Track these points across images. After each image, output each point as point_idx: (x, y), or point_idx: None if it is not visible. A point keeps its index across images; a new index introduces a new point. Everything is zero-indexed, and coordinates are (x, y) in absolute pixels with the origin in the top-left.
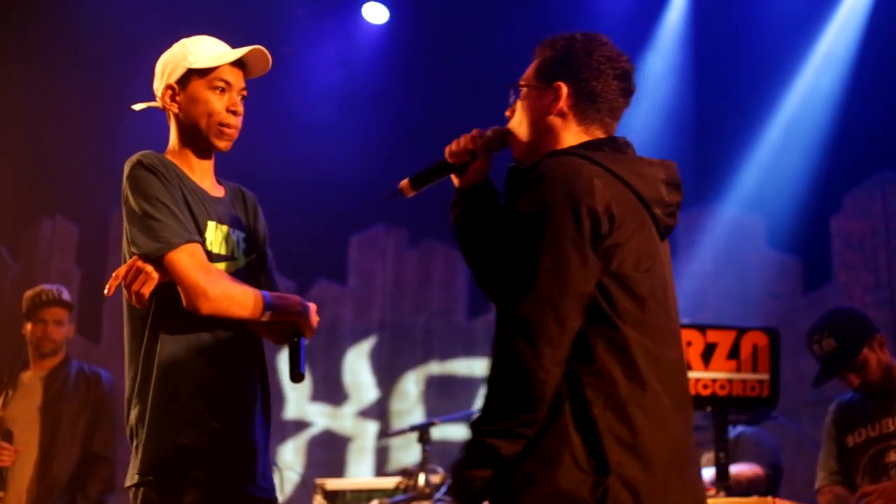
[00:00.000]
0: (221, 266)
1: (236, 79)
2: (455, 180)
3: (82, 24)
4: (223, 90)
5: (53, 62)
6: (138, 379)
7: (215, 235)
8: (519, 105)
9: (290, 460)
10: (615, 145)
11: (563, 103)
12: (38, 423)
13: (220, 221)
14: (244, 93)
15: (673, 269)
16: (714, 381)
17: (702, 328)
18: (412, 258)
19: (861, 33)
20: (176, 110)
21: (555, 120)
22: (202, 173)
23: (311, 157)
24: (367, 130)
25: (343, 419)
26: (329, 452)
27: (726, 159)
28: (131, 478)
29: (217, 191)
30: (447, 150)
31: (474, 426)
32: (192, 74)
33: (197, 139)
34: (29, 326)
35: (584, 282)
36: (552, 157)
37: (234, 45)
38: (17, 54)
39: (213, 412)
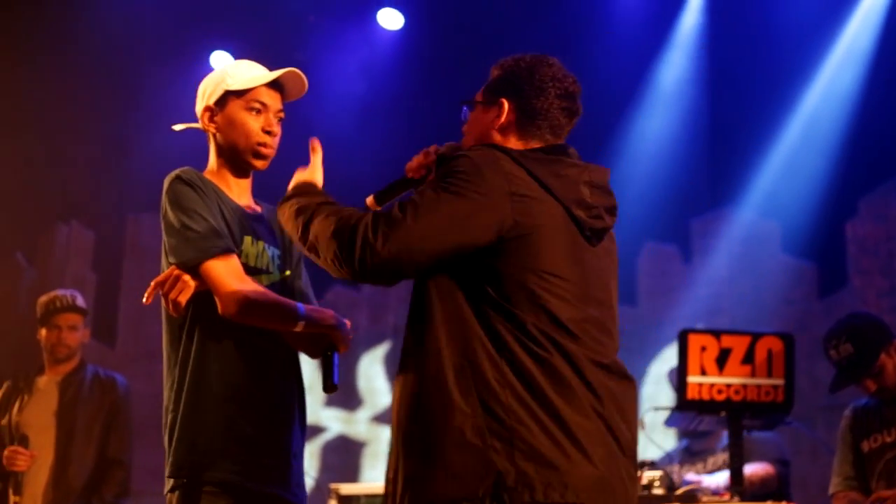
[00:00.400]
0: (256, 279)
1: (273, 100)
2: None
3: (99, 31)
4: (259, 111)
5: (70, 68)
6: (174, 386)
7: (251, 250)
8: (470, 120)
9: (304, 465)
10: (546, 151)
11: (504, 119)
12: (53, 427)
13: (257, 237)
14: (281, 114)
15: (688, 273)
16: (728, 386)
17: (717, 333)
18: None
19: (877, 38)
20: (214, 131)
21: (497, 135)
22: (240, 192)
23: (325, 162)
24: (383, 136)
25: (357, 424)
26: (343, 457)
27: (741, 164)
28: (166, 483)
29: (254, 209)
30: (406, 166)
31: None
32: (229, 96)
33: (234, 159)
34: (44, 332)
35: (466, 235)
36: (475, 146)
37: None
38: (33, 59)
39: (246, 417)
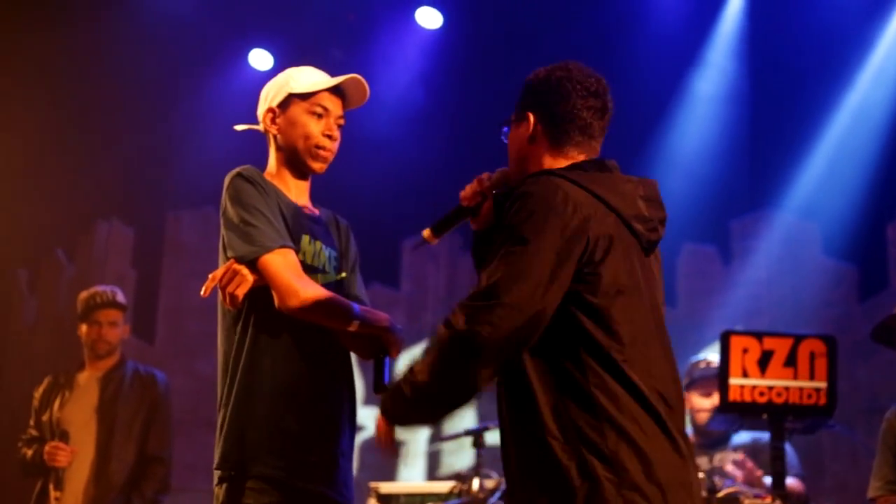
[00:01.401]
0: (313, 277)
1: (334, 106)
2: (472, 224)
3: (139, 31)
4: (321, 115)
5: (110, 67)
6: (227, 380)
7: (309, 248)
8: (509, 141)
9: None
10: (594, 166)
11: (532, 131)
12: (94, 423)
13: (314, 236)
14: (341, 121)
15: (727, 275)
16: (770, 388)
17: (759, 335)
18: (465, 263)
19: None
20: (275, 132)
21: (530, 148)
22: (298, 193)
23: (367, 162)
24: (421, 136)
25: None
26: (380, 456)
27: (782, 165)
28: (214, 475)
29: (312, 210)
30: (461, 194)
31: None
32: (292, 99)
33: (294, 160)
34: (84, 328)
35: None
36: (532, 177)
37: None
38: (75, 60)
39: (294, 413)
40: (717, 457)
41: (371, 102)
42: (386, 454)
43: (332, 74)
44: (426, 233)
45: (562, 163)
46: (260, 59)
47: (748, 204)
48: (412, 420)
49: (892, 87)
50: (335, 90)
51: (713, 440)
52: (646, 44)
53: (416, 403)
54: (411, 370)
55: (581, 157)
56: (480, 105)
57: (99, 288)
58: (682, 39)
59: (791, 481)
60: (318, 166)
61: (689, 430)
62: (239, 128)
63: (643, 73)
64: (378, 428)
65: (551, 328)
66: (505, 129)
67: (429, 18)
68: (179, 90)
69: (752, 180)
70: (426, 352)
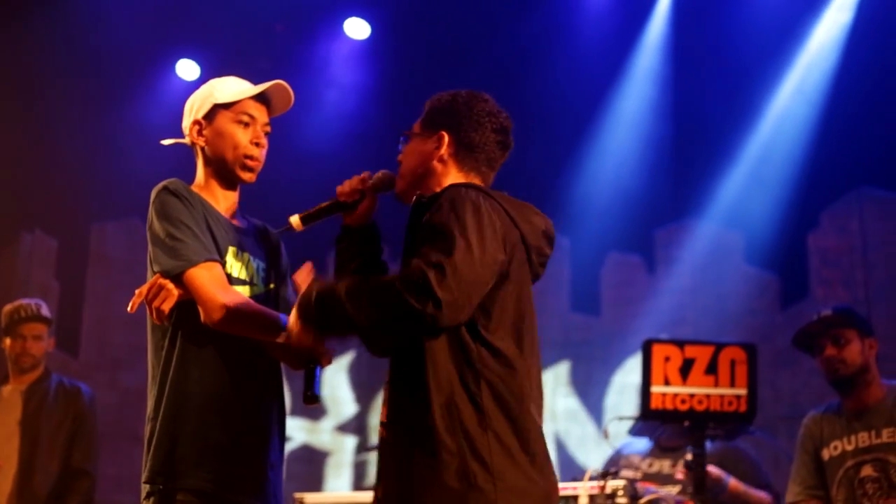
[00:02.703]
0: (241, 289)
1: (260, 113)
2: (345, 218)
3: (64, 40)
4: (247, 124)
5: (33, 76)
6: (156, 394)
7: (236, 261)
8: (405, 151)
9: None
10: (501, 194)
11: (444, 150)
12: (17, 436)
13: (241, 248)
14: (268, 128)
15: (651, 283)
16: (692, 395)
17: (680, 343)
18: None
19: (841, 51)
20: (203, 144)
21: (437, 165)
22: (227, 205)
23: (297, 173)
24: (349, 145)
25: (321, 434)
26: (307, 467)
27: (705, 175)
28: (142, 489)
29: (241, 222)
30: (338, 189)
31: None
32: (218, 109)
33: (223, 172)
34: (8, 341)
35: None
36: (457, 186)
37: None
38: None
39: (223, 426)
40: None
41: (300, 113)
42: (325, 363)
43: (259, 84)
44: (294, 220)
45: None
46: (187, 69)
47: (672, 213)
48: (333, 332)
49: (812, 97)
50: (260, 98)
51: (671, 445)
52: (570, 55)
53: (348, 321)
54: (358, 290)
55: (480, 185)
56: (408, 115)
57: (24, 301)
58: (607, 51)
59: (765, 496)
60: (247, 176)
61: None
62: (166, 142)
63: (567, 84)
64: (301, 338)
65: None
66: (403, 137)
67: (357, 29)
68: (105, 99)
69: (675, 190)
70: (379, 286)
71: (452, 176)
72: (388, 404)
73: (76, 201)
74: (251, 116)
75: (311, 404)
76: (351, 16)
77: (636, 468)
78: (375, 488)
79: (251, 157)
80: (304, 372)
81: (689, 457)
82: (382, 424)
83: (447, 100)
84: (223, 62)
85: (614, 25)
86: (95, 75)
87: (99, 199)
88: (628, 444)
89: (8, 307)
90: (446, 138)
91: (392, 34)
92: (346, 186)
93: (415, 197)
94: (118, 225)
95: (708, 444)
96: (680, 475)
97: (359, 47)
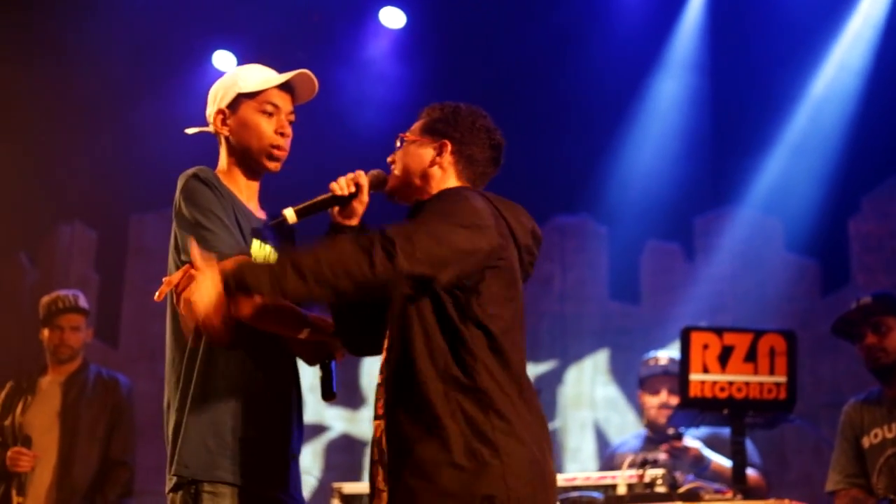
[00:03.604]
0: None
1: (284, 102)
2: (334, 214)
3: (102, 31)
4: (271, 113)
5: (72, 68)
6: (180, 384)
7: (259, 253)
8: (402, 153)
9: (307, 464)
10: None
11: (445, 158)
12: (56, 428)
13: (264, 240)
14: (292, 117)
15: (691, 271)
16: (731, 383)
17: (719, 331)
18: None
19: (881, 35)
20: (227, 133)
21: (436, 171)
22: (249, 195)
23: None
24: (383, 135)
25: (361, 423)
26: (347, 456)
27: (744, 161)
28: (168, 482)
29: (262, 213)
30: (331, 185)
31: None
32: (241, 99)
33: (247, 161)
34: (46, 333)
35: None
36: (454, 188)
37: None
38: (35, 60)
39: (250, 418)
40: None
41: (334, 103)
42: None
43: (283, 73)
44: (289, 212)
45: None
46: (224, 60)
47: (711, 200)
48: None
49: (852, 81)
50: (284, 86)
51: (665, 436)
52: (607, 42)
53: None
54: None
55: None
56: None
57: (61, 292)
58: (643, 38)
59: (750, 472)
60: (272, 165)
61: (643, 429)
62: (190, 131)
63: (604, 72)
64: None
65: (438, 321)
66: (402, 140)
67: (392, 18)
68: (143, 92)
69: (714, 177)
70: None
71: (450, 182)
72: (386, 396)
73: (115, 193)
74: (275, 106)
75: (330, 400)
76: (386, 5)
77: (632, 464)
78: (374, 480)
79: (277, 147)
80: (322, 368)
81: (670, 431)
82: (379, 417)
83: (450, 111)
84: (259, 53)
85: (651, 11)
86: (133, 67)
87: (137, 191)
88: (622, 444)
89: (46, 298)
90: (449, 147)
91: (427, 23)
92: (341, 183)
93: (413, 202)
94: (157, 216)
95: (702, 431)
96: (663, 455)
97: (394, 37)
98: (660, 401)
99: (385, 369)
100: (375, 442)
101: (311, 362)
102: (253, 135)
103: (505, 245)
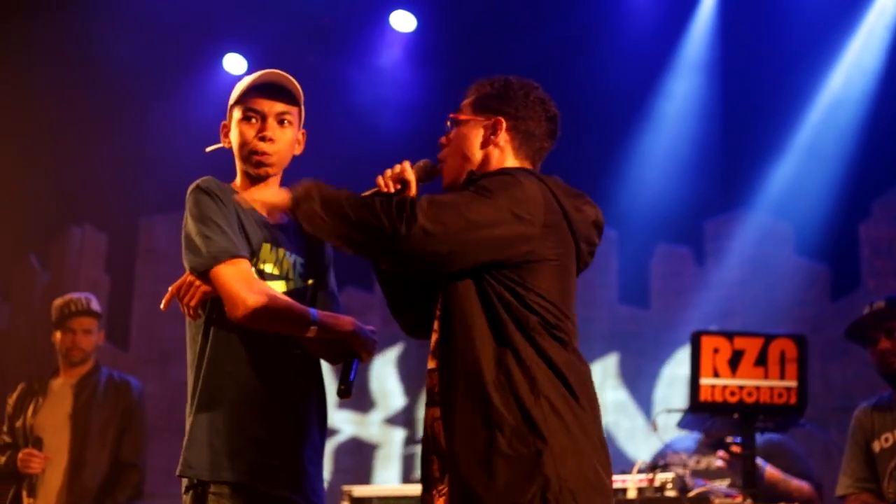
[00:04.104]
0: (275, 285)
1: (268, 106)
2: None
3: (113, 35)
4: (252, 118)
5: (83, 71)
6: (192, 387)
7: (270, 256)
8: (454, 135)
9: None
10: (558, 182)
11: (500, 136)
12: (67, 430)
13: (276, 244)
14: (286, 117)
15: (701, 275)
16: (741, 388)
17: (729, 335)
18: None
19: (891, 38)
20: (228, 145)
21: (492, 150)
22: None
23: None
24: (393, 138)
25: (370, 426)
26: (356, 459)
27: (755, 166)
28: (182, 482)
29: (277, 218)
30: (378, 179)
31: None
32: (232, 109)
33: (244, 168)
34: (58, 335)
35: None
36: (510, 168)
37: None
38: (47, 64)
39: (257, 419)
40: (694, 459)
41: (346, 106)
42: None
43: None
44: None
45: None
46: (234, 63)
47: (721, 204)
48: (314, 218)
49: (863, 85)
50: (267, 90)
51: (718, 441)
52: (617, 46)
53: (325, 211)
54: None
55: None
56: (454, 107)
57: (74, 295)
58: (654, 41)
59: (804, 485)
60: (260, 170)
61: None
62: (209, 149)
63: (616, 75)
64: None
65: (488, 311)
66: (452, 121)
67: (403, 22)
68: (153, 95)
69: (725, 181)
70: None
71: (509, 162)
72: (441, 383)
73: (125, 196)
74: (255, 111)
75: (344, 398)
76: (397, 8)
77: (684, 465)
78: (428, 469)
79: (256, 152)
80: (343, 366)
81: (728, 439)
82: (433, 404)
83: (500, 85)
84: (270, 56)
85: (662, 14)
86: (143, 70)
87: (147, 193)
88: (678, 440)
89: (58, 301)
90: (504, 123)
91: (438, 27)
92: (387, 176)
93: (466, 175)
94: (167, 219)
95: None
96: (720, 462)
97: (405, 40)
98: None
99: (437, 355)
100: (429, 428)
101: (332, 361)
102: (238, 143)
103: (548, 236)
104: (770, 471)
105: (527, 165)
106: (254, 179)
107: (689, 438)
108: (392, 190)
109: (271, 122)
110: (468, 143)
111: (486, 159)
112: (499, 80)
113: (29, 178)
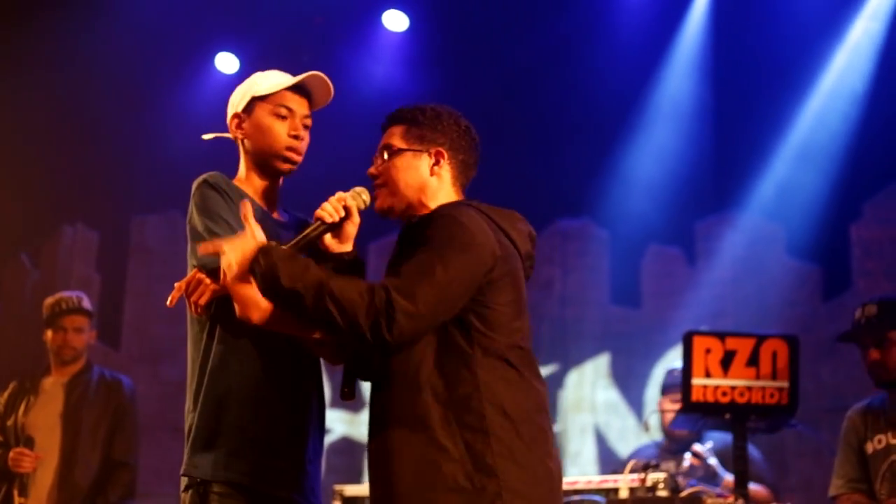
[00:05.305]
0: None
1: (299, 106)
2: (330, 241)
3: (103, 33)
4: (285, 116)
5: (74, 70)
6: (195, 386)
7: None
8: (391, 166)
9: None
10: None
11: (440, 167)
12: (59, 429)
13: (279, 243)
14: (308, 121)
15: (692, 276)
16: (733, 388)
17: (721, 335)
18: None
19: (882, 41)
20: (242, 137)
21: (431, 181)
22: (268, 199)
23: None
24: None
25: (361, 426)
26: (347, 459)
27: (746, 167)
28: (181, 482)
29: (282, 216)
30: (317, 213)
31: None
32: (256, 102)
33: (262, 164)
34: (49, 334)
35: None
36: (448, 206)
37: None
38: (38, 63)
39: (261, 419)
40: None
41: (337, 105)
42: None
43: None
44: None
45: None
46: (226, 62)
47: (713, 205)
48: (279, 300)
49: (854, 87)
50: (299, 90)
51: (681, 445)
52: (610, 46)
53: (299, 300)
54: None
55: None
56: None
57: (65, 294)
58: (647, 41)
59: (759, 488)
60: (286, 167)
61: (660, 436)
62: (207, 136)
63: (607, 76)
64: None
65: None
66: (389, 152)
67: (395, 21)
68: (145, 93)
69: (716, 182)
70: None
71: (445, 192)
72: (380, 412)
73: (117, 194)
74: (289, 109)
75: (348, 400)
76: (389, 8)
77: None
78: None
79: (291, 150)
80: (345, 367)
81: (696, 447)
82: (374, 432)
83: (432, 114)
84: (262, 55)
85: (655, 15)
86: (135, 69)
87: (140, 192)
88: (642, 448)
89: (49, 300)
90: (446, 156)
91: (430, 27)
92: (327, 208)
93: (406, 220)
94: (159, 217)
95: (717, 437)
96: (693, 461)
97: (397, 40)
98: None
99: (383, 385)
100: (371, 455)
101: (333, 362)
102: (266, 138)
103: (505, 256)
104: (728, 480)
105: (461, 195)
106: (269, 176)
107: (652, 446)
108: (337, 220)
109: (299, 122)
110: (410, 173)
111: (424, 189)
112: (427, 109)
113: (20, 176)
